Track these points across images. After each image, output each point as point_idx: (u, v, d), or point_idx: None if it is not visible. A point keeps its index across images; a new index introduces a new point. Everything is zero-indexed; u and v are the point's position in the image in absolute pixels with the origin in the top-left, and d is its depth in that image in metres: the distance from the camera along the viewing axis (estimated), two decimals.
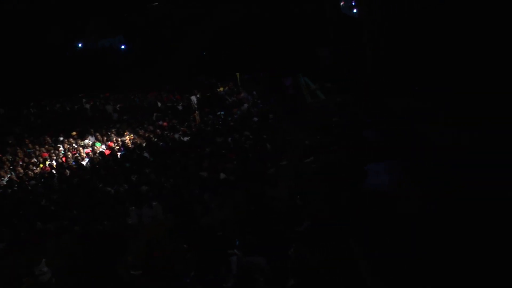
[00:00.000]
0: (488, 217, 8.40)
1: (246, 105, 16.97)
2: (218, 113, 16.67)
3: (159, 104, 19.69)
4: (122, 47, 27.71)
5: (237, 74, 20.49)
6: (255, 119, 15.33)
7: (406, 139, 12.70)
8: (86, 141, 16.53)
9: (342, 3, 19.61)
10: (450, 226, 8.26)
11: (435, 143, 12.00)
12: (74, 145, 16.14)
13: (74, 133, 17.08)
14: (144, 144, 14.94)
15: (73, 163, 14.41)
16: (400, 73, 16.12)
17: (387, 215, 8.95)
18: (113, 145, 15.68)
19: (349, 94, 15.55)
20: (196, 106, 18.32)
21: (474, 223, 8.19)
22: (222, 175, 11.05)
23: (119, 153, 14.64)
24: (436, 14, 15.26)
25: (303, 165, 11.95)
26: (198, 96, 19.20)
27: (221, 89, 19.46)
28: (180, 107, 18.86)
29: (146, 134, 15.97)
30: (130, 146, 15.07)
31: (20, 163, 15.12)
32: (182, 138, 14.92)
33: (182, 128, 15.66)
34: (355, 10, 18.45)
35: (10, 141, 17.06)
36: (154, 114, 18.52)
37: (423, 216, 8.79)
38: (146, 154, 13.93)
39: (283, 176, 11.24)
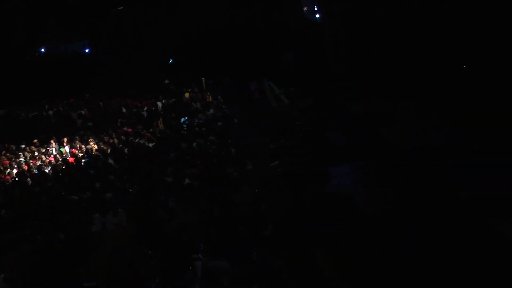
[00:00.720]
0: (446, 216, 8.75)
1: (211, 110, 17.02)
2: (182, 119, 16.65)
3: (124, 110, 19.52)
4: (86, 51, 27.34)
5: (203, 79, 20.51)
6: (220, 123, 15.40)
7: (368, 142, 13.02)
8: (49, 149, 16.24)
9: (305, 9, 19.92)
10: (411, 226, 8.56)
11: (397, 145, 12.37)
12: (36, 152, 15.85)
13: (35, 140, 16.75)
14: (108, 151, 14.81)
15: (35, 171, 14.16)
16: (362, 76, 16.51)
17: (350, 217, 9.19)
18: (77, 152, 15.48)
19: (313, 98, 15.80)
20: (161, 112, 18.26)
21: (433, 222, 8.52)
22: (187, 180, 11.08)
23: (83, 160, 14.46)
24: (397, 18, 15.73)
25: (268, 169, 12.09)
26: (163, 101, 19.15)
27: (187, 94, 19.44)
28: (144, 113, 18.75)
29: (111, 141, 15.82)
30: (94, 152, 14.91)
31: None
32: (146, 144, 14.87)
33: (147, 134, 15.60)
34: (317, 15, 18.77)
35: None
36: (119, 120, 18.37)
37: (386, 216, 9.07)
38: (110, 161, 13.82)
39: (248, 180, 11.35)
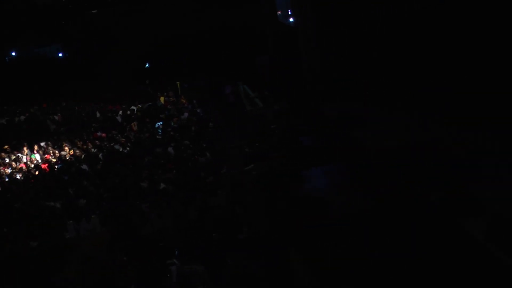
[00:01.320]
0: (417, 217, 8.96)
1: (186, 114, 17.02)
2: (157, 124, 16.61)
3: (98, 115, 19.36)
4: (60, 55, 26.95)
5: (178, 83, 20.48)
6: (195, 128, 15.42)
7: (342, 144, 13.21)
8: (20, 155, 15.98)
9: (279, 12, 20.07)
10: (383, 227, 8.74)
11: (369, 147, 12.58)
12: (6, 159, 15.58)
13: (6, 146, 16.46)
14: (82, 156, 14.68)
15: (6, 178, 13.94)
16: (336, 80, 16.73)
17: (324, 219, 9.32)
18: (50, 158, 15.29)
19: (287, 101, 15.94)
20: (136, 116, 18.18)
21: (405, 223, 8.71)
22: (162, 185, 11.08)
23: (56, 166, 14.30)
24: (370, 22, 15.99)
25: (243, 173, 12.15)
26: (138, 105, 19.07)
27: (162, 98, 19.39)
28: (119, 118, 18.63)
29: (85, 146, 15.68)
30: (68, 158, 14.75)
31: None
32: (121, 149, 14.78)
33: (122, 140, 15.51)
34: (291, 19, 18.95)
35: None
36: (93, 125, 18.21)
37: (358, 218, 9.23)
38: (84, 166, 13.70)
39: (223, 184, 11.41)
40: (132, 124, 16.69)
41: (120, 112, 18.96)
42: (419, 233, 8.29)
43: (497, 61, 12.47)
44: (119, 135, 16.12)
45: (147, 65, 24.74)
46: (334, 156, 12.35)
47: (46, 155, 15.60)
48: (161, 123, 16.63)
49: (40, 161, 15.33)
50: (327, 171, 11.69)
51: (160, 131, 16.09)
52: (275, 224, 9.30)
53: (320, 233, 8.71)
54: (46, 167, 14.34)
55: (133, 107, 18.74)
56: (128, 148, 14.71)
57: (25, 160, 15.69)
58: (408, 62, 15.25)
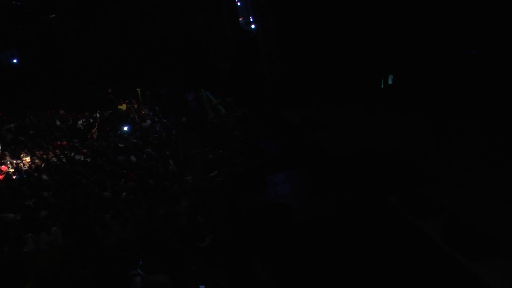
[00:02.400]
0: (376, 219, 9.24)
1: (148, 122, 16.90)
2: (119, 131, 16.43)
3: (58, 123, 18.96)
4: (14, 61, 26.14)
5: (138, 90, 20.28)
6: (157, 135, 15.34)
7: (303, 149, 13.45)
8: None
9: (240, 19, 20.21)
10: (345, 230, 8.97)
11: (330, 152, 12.85)
12: None
13: None
14: (42, 166, 14.36)
15: None
16: (296, 86, 17.00)
17: (287, 224, 9.48)
18: (7, 168, 14.88)
19: (249, 107, 16.09)
20: (96, 124, 17.91)
21: (365, 225, 8.97)
22: (124, 194, 11.00)
23: (14, 177, 13.94)
24: (330, 29, 16.34)
25: (207, 179, 12.20)
26: (99, 113, 18.78)
27: (123, 106, 19.17)
28: (80, 126, 18.31)
29: (44, 155, 15.34)
30: (27, 168, 14.40)
31: None
32: (83, 158, 14.55)
33: (84, 150, 15.26)
34: (253, 26, 19.12)
35: None
36: (52, 134, 17.82)
37: (320, 222, 9.43)
38: (44, 177, 13.41)
39: (187, 191, 11.42)
40: (93, 132, 16.44)
41: (81, 121, 18.62)
42: (378, 234, 8.58)
43: (452, 67, 13.02)
44: (80, 144, 15.86)
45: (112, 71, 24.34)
46: (296, 161, 12.58)
47: (2, 166, 15.17)
48: (125, 129, 16.43)
49: None
50: (290, 176, 11.89)
51: (125, 134, 15.90)
52: (239, 230, 9.40)
53: (283, 239, 8.88)
54: (2, 179, 13.96)
55: (94, 115, 18.44)
56: (90, 157, 14.49)
57: None
58: (367, 66, 15.72)
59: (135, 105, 19.06)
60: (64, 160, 14.57)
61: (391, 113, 13.98)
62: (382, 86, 15.30)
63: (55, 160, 14.80)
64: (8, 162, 15.19)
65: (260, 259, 8.48)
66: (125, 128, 16.51)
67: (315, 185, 11.13)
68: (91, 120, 18.51)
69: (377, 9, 15.03)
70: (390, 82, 15.23)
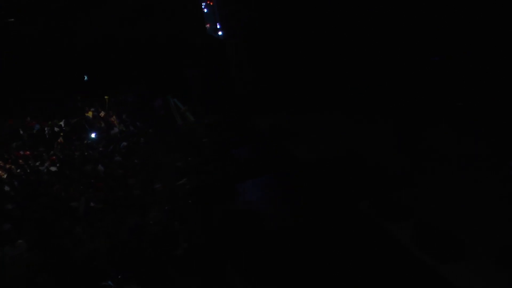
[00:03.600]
0: (346, 224, 9.41)
1: (115, 129, 16.69)
2: (86, 140, 16.16)
3: (21, 131, 18.46)
4: None
5: (106, 97, 19.97)
6: (125, 143, 15.17)
7: (273, 156, 13.56)
8: None
9: (207, 26, 20.20)
10: (316, 236, 9.09)
11: (299, 158, 13.01)
12: None
13: None
14: (4, 177, 13.98)
15: None
16: (266, 92, 17.14)
17: (258, 232, 9.54)
18: None
19: (218, 114, 16.11)
20: (62, 132, 17.56)
21: (336, 231, 9.12)
22: (93, 204, 10.84)
23: None
24: (295, 34, 16.56)
25: (176, 187, 12.14)
26: (64, 121, 18.41)
27: (90, 113, 18.85)
28: (45, 134, 17.88)
29: (7, 166, 14.92)
30: None
31: None
32: (49, 168, 14.23)
33: (51, 157, 14.92)
34: (220, 33, 19.14)
35: None
36: (15, 143, 17.35)
37: (292, 229, 9.53)
38: (7, 188, 13.04)
39: (156, 200, 11.33)
40: (59, 141, 16.11)
41: (47, 129, 18.17)
42: (350, 240, 8.74)
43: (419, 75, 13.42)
44: (46, 153, 15.51)
45: (85, 78, 23.78)
46: (267, 168, 12.67)
47: None
48: (92, 137, 16.14)
49: None
50: (261, 183, 11.97)
51: (89, 146, 15.65)
52: (211, 239, 9.41)
53: (255, 247, 8.94)
54: None
55: (60, 123, 18.04)
56: (56, 167, 14.19)
57: None
58: (335, 72, 16.00)
59: (102, 113, 18.78)
60: (28, 170, 14.22)
61: (361, 119, 14.26)
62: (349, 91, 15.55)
63: (19, 170, 14.42)
64: None
65: (233, 267, 8.52)
66: (92, 136, 16.25)
67: (286, 192, 11.24)
68: (56, 129, 18.12)
69: (344, 14, 15.35)
70: (358, 87, 15.49)
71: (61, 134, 17.40)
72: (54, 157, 14.89)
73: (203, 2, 19.90)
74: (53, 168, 14.14)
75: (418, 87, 13.06)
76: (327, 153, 12.57)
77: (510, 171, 7.62)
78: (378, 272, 7.74)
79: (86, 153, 14.89)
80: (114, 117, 18.05)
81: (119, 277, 7.91)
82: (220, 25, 19.16)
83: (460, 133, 11.45)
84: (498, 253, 7.35)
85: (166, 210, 10.39)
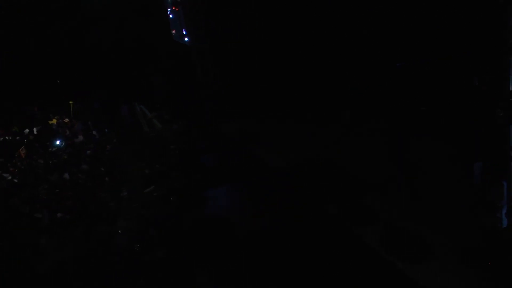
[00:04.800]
0: (315, 228, 9.52)
1: (81, 137, 16.34)
2: (50, 148, 15.74)
3: None
4: None
5: (70, 102, 19.49)
6: (91, 151, 14.87)
7: (242, 162, 13.59)
8: None
9: (173, 32, 20.11)
10: (286, 243, 9.16)
11: (268, 164, 13.09)
12: None
13: None
14: None
15: None
16: (233, 98, 17.17)
17: (227, 239, 9.55)
18: None
19: (185, 121, 16.01)
20: (24, 140, 17.04)
21: (305, 235, 9.21)
22: (59, 215, 10.59)
23: None
24: (261, 40, 16.69)
25: (144, 195, 12.01)
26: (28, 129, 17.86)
27: (54, 120, 18.36)
28: (5, 143, 17.31)
29: None
30: None
31: None
32: (10, 178, 13.79)
33: (11, 169, 14.44)
34: (186, 39, 19.10)
35: None
36: None
37: (260, 235, 9.58)
38: None
39: (124, 208, 11.18)
40: (21, 150, 15.62)
41: (7, 137, 17.59)
42: (318, 245, 8.86)
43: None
44: (7, 162, 15.01)
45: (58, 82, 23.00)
46: (235, 174, 12.70)
47: None
48: (57, 145, 15.71)
49: None
50: (229, 190, 12.00)
51: (54, 154, 15.23)
52: (181, 246, 9.37)
53: (225, 254, 8.95)
54: None
55: (23, 131, 17.47)
56: (18, 176, 13.77)
57: None
58: (301, 78, 16.18)
59: (66, 120, 18.33)
60: None
61: (328, 124, 14.45)
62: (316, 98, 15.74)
63: None
64: None
65: (203, 275, 8.50)
66: (57, 143, 15.85)
67: (255, 198, 11.30)
68: (17, 138, 17.58)
69: (310, 21, 15.54)
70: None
71: (25, 141, 16.89)
72: (14, 168, 14.42)
73: (169, 8, 19.82)
74: (14, 179, 13.71)
75: (383, 92, 13.33)
76: (296, 158, 12.70)
77: (473, 174, 7.88)
78: (347, 275, 7.88)
79: (50, 162, 14.51)
80: (79, 124, 17.66)
81: None
82: (186, 31, 19.13)
83: (424, 137, 11.74)
84: (462, 254, 7.61)
85: (132, 217, 10.27)
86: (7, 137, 17.71)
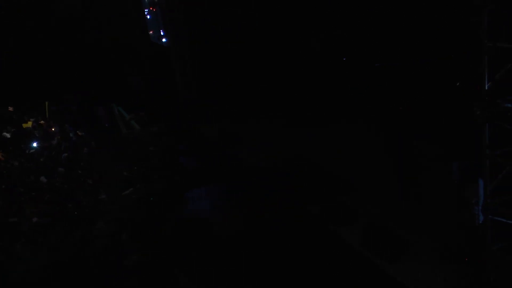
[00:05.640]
0: (296, 226, 9.54)
1: (57, 139, 16.03)
2: (27, 151, 15.39)
3: None
4: None
5: (46, 102, 19.07)
6: (68, 154, 14.61)
7: (221, 163, 13.54)
8: None
9: (151, 32, 19.98)
10: (267, 242, 9.16)
11: (248, 165, 13.07)
12: None
13: None
14: None
15: None
16: (212, 99, 17.11)
17: (208, 239, 9.51)
18: None
19: (164, 122, 15.87)
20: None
21: (290, 235, 9.23)
22: (35, 219, 10.36)
23: None
24: (240, 40, 16.67)
25: (123, 197, 11.86)
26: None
27: (29, 123, 17.98)
28: None
29: None
30: None
31: None
32: None
33: None
34: (164, 40, 18.99)
35: None
36: None
37: (242, 235, 9.56)
38: None
39: (103, 211, 11.02)
40: None
41: None
42: (300, 244, 8.89)
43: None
44: None
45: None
46: (215, 175, 12.65)
47: None
48: (34, 147, 15.36)
49: None
50: (209, 191, 11.95)
51: (30, 157, 14.89)
52: (162, 248, 9.30)
53: (205, 255, 8.91)
54: None
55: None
56: None
57: None
58: (280, 79, 16.22)
59: (41, 122, 17.97)
60: None
61: (309, 125, 14.49)
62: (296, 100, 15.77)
63: None
64: None
65: (184, 275, 8.45)
66: (34, 145, 15.51)
67: (235, 199, 11.28)
68: None
69: (285, 24, 15.60)
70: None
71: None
72: None
73: (146, 9, 19.68)
74: None
75: (363, 93, 13.45)
76: (275, 159, 12.71)
77: (452, 173, 8.01)
78: (328, 274, 7.92)
79: (26, 165, 14.20)
80: (55, 126, 17.33)
81: None
82: (164, 31, 19.01)
83: (403, 137, 11.88)
84: (440, 250, 7.72)
85: (112, 220, 10.14)
86: None
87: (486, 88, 5.64)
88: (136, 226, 10.08)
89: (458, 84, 8.37)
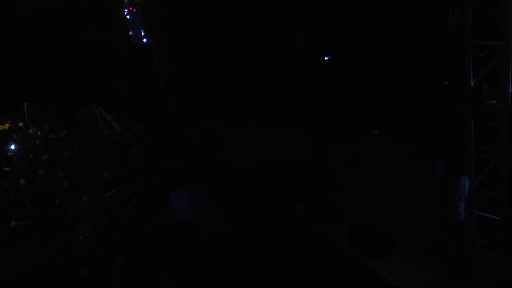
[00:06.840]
0: (283, 226, 9.54)
1: (37, 141, 15.77)
2: (5, 153, 15.09)
3: None
4: None
5: (25, 104, 18.71)
6: (47, 156, 14.36)
7: (204, 164, 13.48)
8: None
9: (131, 33, 19.78)
10: (252, 242, 9.14)
11: (231, 166, 13.03)
12: None
13: None
14: None
15: None
16: (195, 99, 17.01)
17: (191, 240, 9.46)
18: None
19: (145, 123, 15.73)
20: None
21: (276, 234, 9.22)
22: (14, 223, 10.15)
23: None
24: (221, 39, 16.61)
25: (105, 199, 11.71)
26: None
27: (6, 125, 17.63)
28: None
29: None
30: None
31: None
32: None
33: None
34: (145, 40, 18.81)
35: None
36: None
37: (226, 236, 9.52)
38: None
39: (85, 213, 10.86)
40: None
41: None
42: (286, 243, 8.89)
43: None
44: None
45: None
46: (198, 176, 12.58)
47: None
48: (12, 150, 15.07)
49: None
50: (192, 193, 11.89)
51: (8, 160, 14.61)
52: (145, 249, 9.22)
53: (189, 255, 8.88)
54: None
55: None
56: None
57: None
58: (261, 80, 16.20)
59: (19, 124, 17.64)
60: None
61: (291, 125, 14.50)
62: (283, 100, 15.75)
63: None
64: None
65: (168, 275, 8.41)
66: (12, 148, 15.21)
67: (219, 199, 11.24)
68: None
69: (267, 24, 15.60)
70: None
71: None
72: None
73: (126, 9, 19.47)
74: None
75: (346, 92, 13.51)
76: (259, 159, 12.70)
77: (436, 170, 8.09)
78: (314, 272, 7.93)
79: (4, 168, 13.91)
80: (34, 128, 17.03)
81: None
82: (144, 31, 18.84)
83: (385, 135, 11.98)
84: (425, 247, 7.80)
85: (95, 222, 10.00)
86: None
87: (472, 85, 5.71)
88: (119, 228, 9.96)
89: (446, 83, 8.45)
